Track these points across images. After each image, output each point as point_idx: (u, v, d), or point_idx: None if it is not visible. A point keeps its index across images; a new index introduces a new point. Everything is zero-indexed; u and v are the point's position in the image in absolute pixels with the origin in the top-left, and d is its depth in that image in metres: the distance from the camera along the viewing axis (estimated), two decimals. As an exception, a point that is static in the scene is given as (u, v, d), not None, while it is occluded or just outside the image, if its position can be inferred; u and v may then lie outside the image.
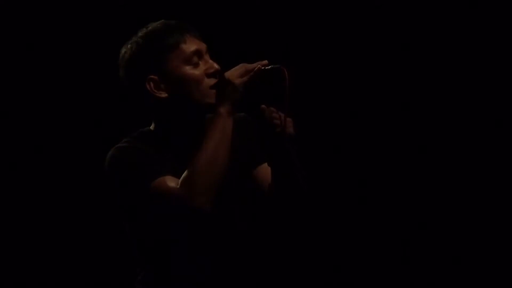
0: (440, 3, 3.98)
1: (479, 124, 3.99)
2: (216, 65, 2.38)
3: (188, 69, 2.37)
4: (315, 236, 4.00)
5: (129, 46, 2.40)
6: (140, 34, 2.40)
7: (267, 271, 2.52)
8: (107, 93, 3.95)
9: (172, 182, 2.31)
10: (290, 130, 2.34)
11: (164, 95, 2.38)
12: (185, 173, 2.30)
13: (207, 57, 2.40)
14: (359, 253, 4.08)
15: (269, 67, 2.31)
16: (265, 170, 2.45)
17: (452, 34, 4.00)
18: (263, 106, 2.35)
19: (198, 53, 2.38)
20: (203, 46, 2.39)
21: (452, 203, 4.02)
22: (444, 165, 4.02)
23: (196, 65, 2.38)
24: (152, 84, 2.37)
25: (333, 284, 4.09)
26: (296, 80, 2.26)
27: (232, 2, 3.95)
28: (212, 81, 2.37)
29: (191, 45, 2.38)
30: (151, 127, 2.45)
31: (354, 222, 4.06)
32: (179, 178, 2.31)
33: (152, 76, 2.38)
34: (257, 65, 2.32)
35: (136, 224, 2.41)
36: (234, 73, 2.33)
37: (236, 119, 2.39)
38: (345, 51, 4.04)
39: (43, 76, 4.02)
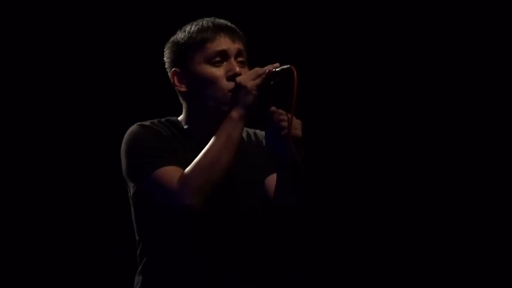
0: (440, 4, 4.00)
1: (479, 125, 4.01)
2: (237, 69, 2.39)
3: (207, 68, 2.41)
4: (315, 241, 4.00)
5: (171, 39, 2.50)
6: (183, 28, 2.48)
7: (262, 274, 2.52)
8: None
9: (175, 174, 2.33)
10: (297, 132, 2.34)
11: (183, 89, 2.46)
12: (186, 170, 2.32)
13: (234, 59, 2.41)
14: (359, 254, 4.09)
15: (279, 68, 2.32)
16: (274, 179, 2.47)
17: (453, 35, 4.02)
18: (272, 108, 2.36)
19: (222, 54, 2.41)
20: (233, 48, 2.42)
21: (453, 203, 4.04)
22: (445, 167, 4.03)
23: (217, 65, 2.40)
24: (175, 77, 2.47)
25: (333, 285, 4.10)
26: (306, 81, 2.27)
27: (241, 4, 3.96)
28: (231, 84, 2.39)
29: (217, 45, 2.41)
30: (180, 117, 2.51)
31: (355, 224, 4.07)
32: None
33: (176, 69, 2.46)
34: (268, 67, 2.33)
35: (137, 207, 2.45)
36: (246, 77, 2.34)
37: (257, 133, 2.51)
38: (353, 52, 4.05)
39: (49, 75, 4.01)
